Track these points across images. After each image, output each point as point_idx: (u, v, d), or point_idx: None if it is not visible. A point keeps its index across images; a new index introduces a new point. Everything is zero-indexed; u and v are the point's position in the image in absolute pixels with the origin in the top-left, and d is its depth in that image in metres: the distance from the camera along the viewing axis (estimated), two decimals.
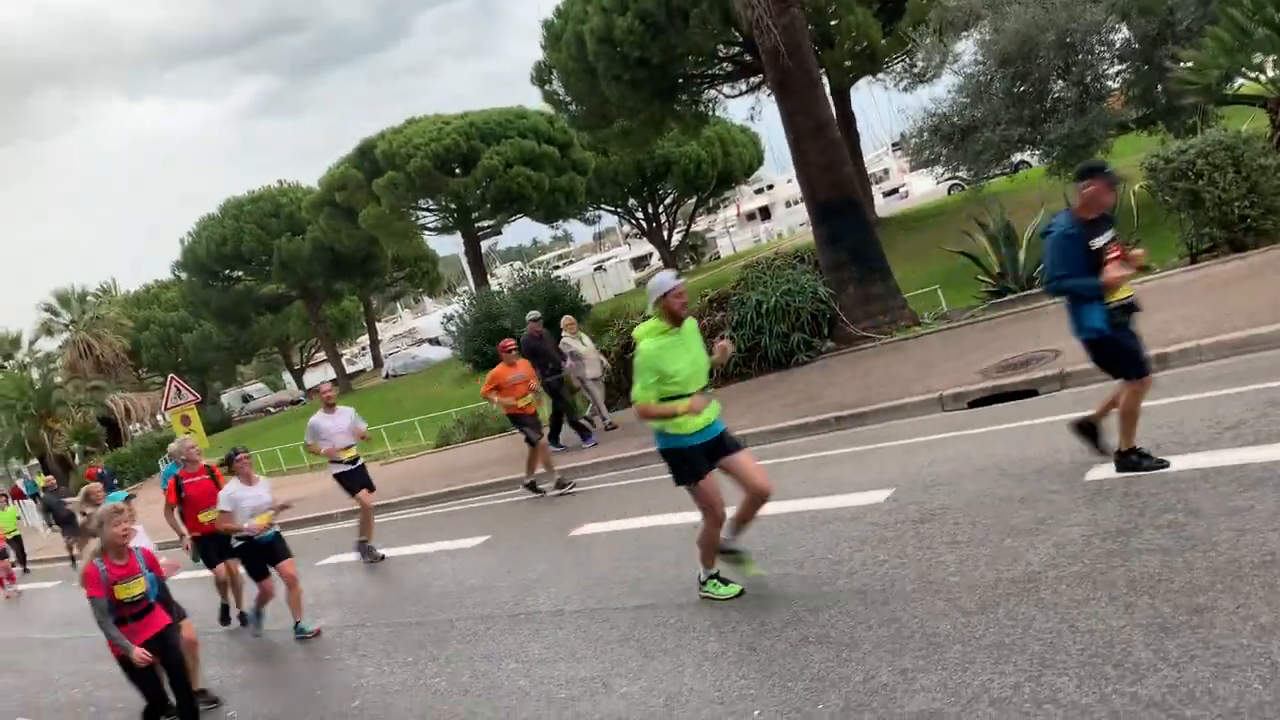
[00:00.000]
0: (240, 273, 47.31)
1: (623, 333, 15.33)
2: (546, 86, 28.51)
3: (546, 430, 11.48)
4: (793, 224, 48.18)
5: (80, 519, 18.36)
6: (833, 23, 25.16)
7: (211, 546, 8.67)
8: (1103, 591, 4.29)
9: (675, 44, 23.72)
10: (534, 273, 30.68)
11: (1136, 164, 14.13)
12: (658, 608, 5.88)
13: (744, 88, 28.49)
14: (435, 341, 45.29)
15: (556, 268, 47.66)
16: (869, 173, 34.90)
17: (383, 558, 10.01)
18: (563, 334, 13.31)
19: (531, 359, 11.58)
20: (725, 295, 14.33)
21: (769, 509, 5.76)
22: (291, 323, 52.46)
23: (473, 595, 7.56)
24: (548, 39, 27.18)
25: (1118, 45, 16.18)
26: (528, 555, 8.33)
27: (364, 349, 62.14)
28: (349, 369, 54.24)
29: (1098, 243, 5.36)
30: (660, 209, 48.79)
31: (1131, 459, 5.57)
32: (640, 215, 48.99)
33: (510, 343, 11.04)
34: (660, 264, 51.22)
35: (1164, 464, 5.48)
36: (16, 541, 18.86)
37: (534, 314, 13.35)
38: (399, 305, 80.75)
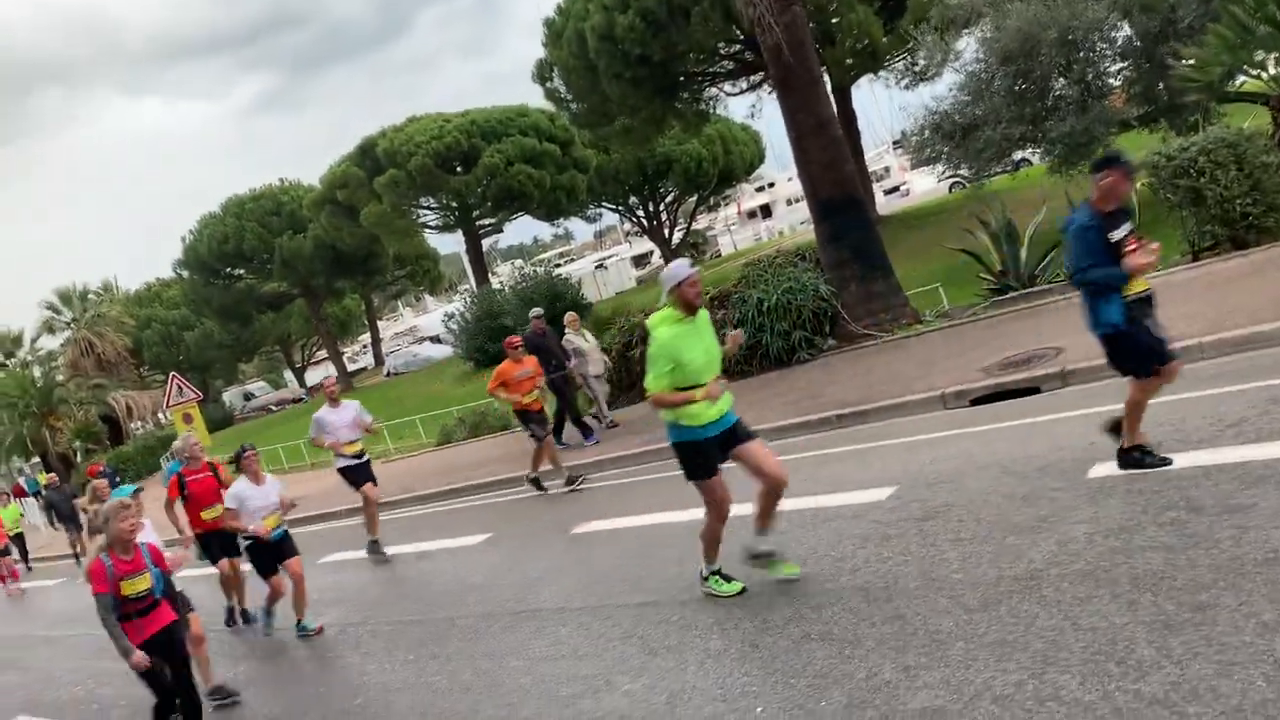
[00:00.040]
0: (242, 271, 47.32)
1: (624, 330, 15.34)
2: (548, 84, 28.49)
3: (551, 426, 11.46)
4: (794, 222, 48.14)
5: (85, 515, 18.41)
6: (834, 20, 25.12)
7: (215, 543, 8.67)
8: (1105, 589, 4.29)
9: (676, 42, 23.70)
10: (535, 271, 30.70)
11: (1138, 162, 14.12)
12: (660, 605, 5.88)
13: (745, 86, 28.47)
14: (436, 339, 45.30)
15: (558, 266, 47.68)
16: (870, 171, 34.87)
17: (388, 559, 10.01)
18: (566, 330, 13.31)
19: (535, 356, 11.57)
20: (727, 293, 14.33)
21: None
22: (293, 321, 52.48)
23: (474, 593, 7.57)
24: (549, 36, 27.17)
25: (1119, 43, 16.14)
26: (530, 553, 8.33)
27: (365, 347, 62.14)
28: (350, 367, 54.27)
29: (1116, 235, 5.33)
30: (661, 207, 48.77)
31: (1134, 455, 5.57)
32: (641, 213, 48.97)
33: (517, 339, 11.02)
34: (661, 262, 51.23)
35: (1166, 462, 5.48)
36: (19, 539, 18.88)
37: (537, 311, 13.34)
38: (400, 303, 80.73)
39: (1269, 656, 3.43)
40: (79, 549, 18.14)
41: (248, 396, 56.63)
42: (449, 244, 66.06)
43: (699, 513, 5.69)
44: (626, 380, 14.83)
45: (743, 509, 5.65)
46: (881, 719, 3.85)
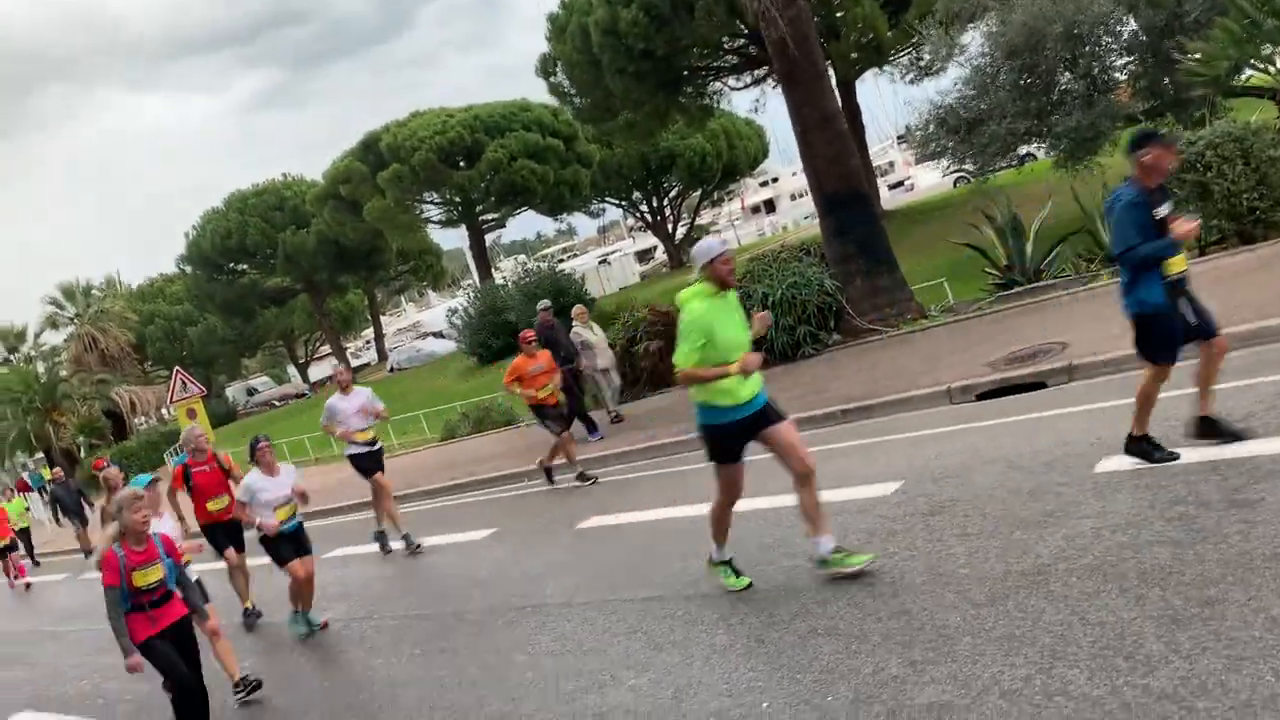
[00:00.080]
0: (245, 266, 47.41)
1: (629, 325, 15.33)
2: (551, 79, 28.47)
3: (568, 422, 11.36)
4: (797, 217, 48.08)
5: (88, 509, 18.40)
6: (839, 14, 25.09)
7: (220, 534, 8.67)
8: (1113, 584, 4.28)
9: (680, 36, 23.66)
10: (538, 266, 30.71)
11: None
12: (665, 600, 5.88)
13: (749, 80, 28.42)
14: (439, 335, 45.29)
15: (561, 261, 47.73)
16: (874, 165, 34.83)
17: (390, 551, 10.01)
18: (574, 323, 13.28)
19: (546, 349, 11.50)
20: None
21: (774, 502, 5.76)
22: (296, 316, 52.57)
23: (480, 588, 7.57)
24: (552, 31, 27.14)
25: (1125, 37, 16.07)
26: (534, 548, 8.33)
27: (368, 342, 62.18)
28: (354, 362, 54.31)
29: (1161, 211, 5.27)
30: (665, 202, 48.76)
31: (1143, 446, 5.53)
32: (645, 208, 48.97)
33: (530, 333, 10.91)
34: (665, 257, 51.21)
35: (1174, 456, 5.46)
36: (24, 534, 18.91)
37: (544, 303, 13.30)
38: (403, 298, 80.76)
39: (1278, 651, 3.42)
40: (84, 543, 18.19)
41: (251, 392, 56.69)
42: (452, 239, 66.08)
43: (703, 508, 5.69)
44: (631, 375, 14.82)
45: (754, 503, 5.63)
46: (889, 714, 3.84)
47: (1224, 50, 12.64)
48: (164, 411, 43.32)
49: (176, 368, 20.95)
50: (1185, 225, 5.25)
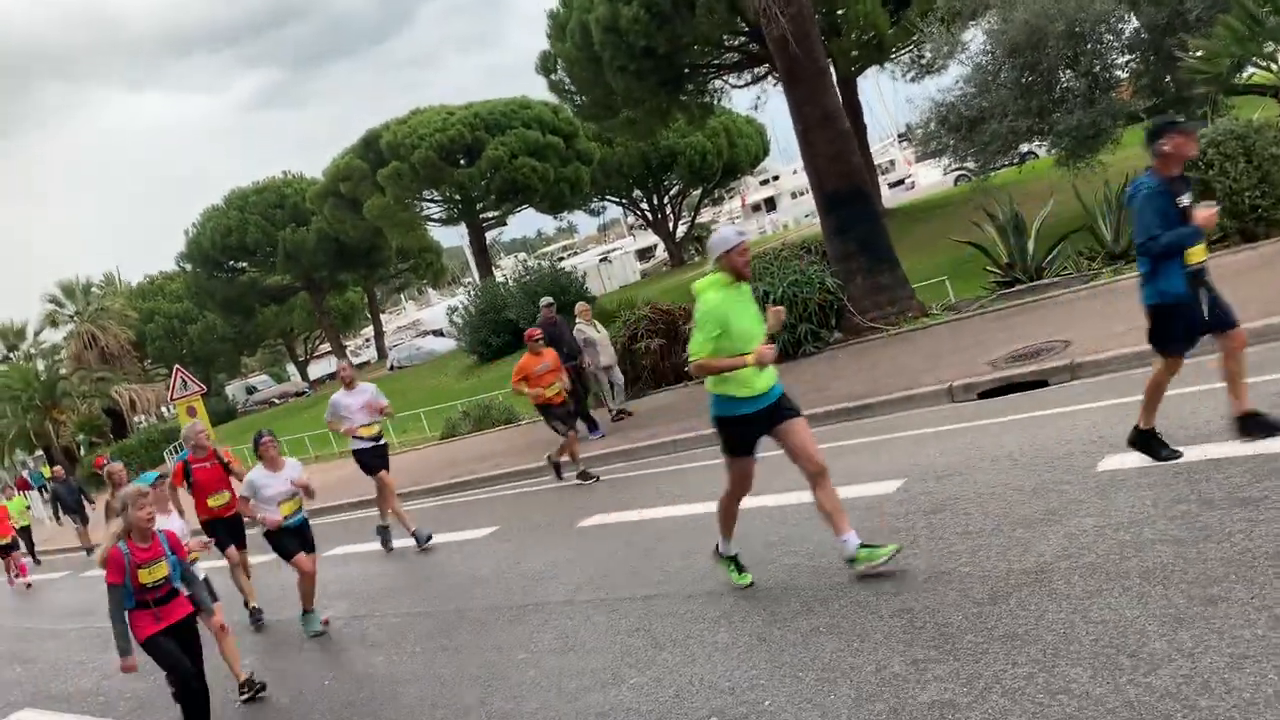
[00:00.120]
0: (245, 264, 47.42)
1: (629, 324, 15.32)
2: (552, 76, 28.47)
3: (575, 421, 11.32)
4: (798, 215, 48.08)
5: (89, 507, 18.37)
6: (840, 12, 25.07)
7: (221, 530, 8.65)
8: (1115, 582, 4.27)
9: (681, 34, 23.64)
10: (539, 264, 30.73)
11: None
12: (667, 598, 5.87)
13: (749, 78, 28.43)
14: (440, 333, 45.31)
15: (561, 259, 47.72)
16: (875, 164, 34.81)
17: (392, 549, 9.99)
18: (577, 320, 13.26)
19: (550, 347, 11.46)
20: None
21: (778, 500, 5.75)
22: (296, 314, 52.58)
23: (481, 586, 7.56)
24: (553, 29, 27.12)
25: (1127, 35, 16.06)
26: (536, 546, 8.32)
27: (368, 340, 62.23)
28: (354, 360, 54.27)
29: (1183, 201, 5.22)
30: (665, 200, 48.77)
31: (1148, 441, 5.49)
32: (645, 206, 48.97)
33: (537, 331, 10.81)
34: (665, 255, 51.21)
35: (1177, 454, 5.45)
36: (25, 532, 18.89)
37: (547, 300, 13.28)
38: (403, 297, 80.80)
39: None
40: (85, 541, 18.19)
41: (250, 390, 56.75)
42: (452, 237, 65.83)
43: (705, 506, 5.68)
44: (631, 373, 14.81)
45: (758, 500, 5.62)
46: (891, 712, 3.83)
47: (1226, 48, 12.62)
48: (164, 409, 43.35)
49: (176, 365, 20.95)
50: (1205, 212, 5.20)
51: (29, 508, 20.85)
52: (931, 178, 41.02)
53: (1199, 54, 13.49)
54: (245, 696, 6.49)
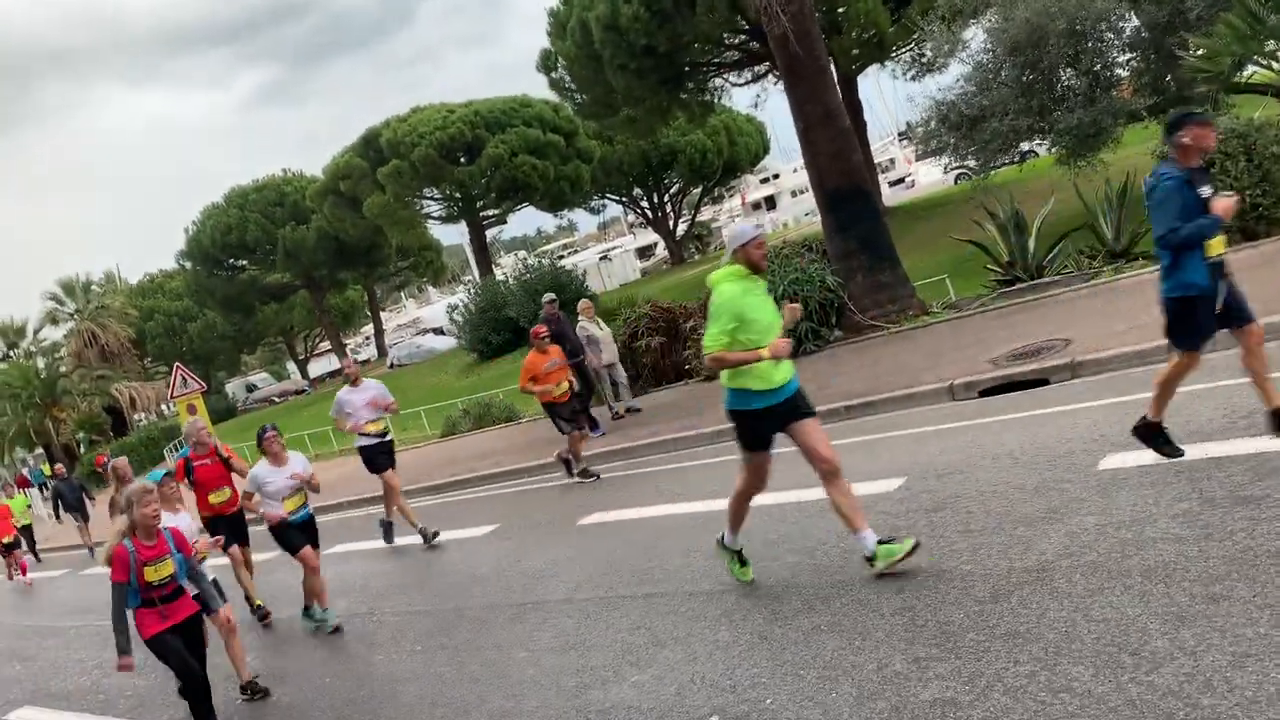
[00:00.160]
0: (245, 262, 47.39)
1: (630, 321, 15.31)
2: (552, 75, 28.45)
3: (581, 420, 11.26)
4: (798, 214, 48.08)
5: (89, 505, 18.33)
6: (840, 10, 25.05)
7: (223, 527, 8.62)
8: (1117, 581, 4.26)
9: (682, 32, 23.62)
10: (539, 262, 30.70)
11: (1147, 153, 14.04)
12: (668, 596, 5.87)
13: (750, 76, 28.41)
14: (440, 331, 45.31)
15: (561, 257, 47.73)
16: (875, 162, 34.79)
17: (393, 542, 9.98)
18: (580, 318, 13.23)
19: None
20: None
21: (779, 498, 5.74)
22: (296, 312, 52.55)
23: (481, 584, 7.55)
24: (553, 27, 27.10)
25: (1127, 33, 16.03)
26: (536, 544, 8.32)
27: (368, 338, 62.21)
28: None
29: (1204, 192, 5.16)
30: (665, 198, 48.75)
31: (1155, 435, 5.43)
32: (645, 204, 48.96)
33: (543, 329, 10.65)
34: (666, 253, 51.21)
35: (1179, 452, 5.43)
36: (27, 530, 18.89)
37: (549, 296, 13.23)
38: (403, 295, 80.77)
39: None
40: (86, 539, 18.17)
41: (250, 388, 56.76)
42: (452, 235, 65.94)
43: (705, 505, 5.68)
44: (632, 371, 14.80)
45: (760, 498, 5.60)
46: (893, 710, 3.83)
47: (1227, 46, 12.60)
48: (164, 407, 43.37)
49: (176, 363, 20.93)
50: (1224, 203, 5.13)
51: (30, 506, 20.83)
52: (932, 176, 40.99)
53: (1200, 52, 13.46)
54: (246, 697, 6.49)
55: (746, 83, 28.81)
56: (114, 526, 5.86)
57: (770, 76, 27.17)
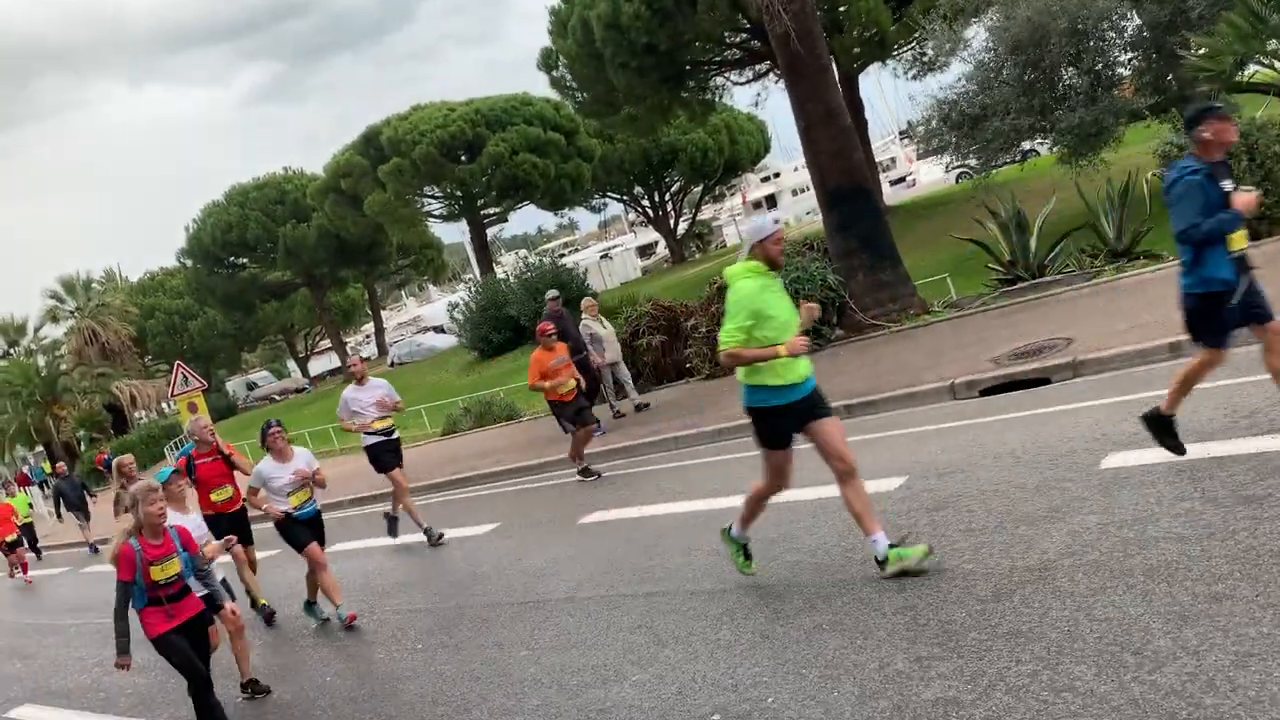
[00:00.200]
0: (245, 260, 47.36)
1: (631, 320, 15.30)
2: (553, 73, 28.44)
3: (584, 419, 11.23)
4: (799, 212, 48.07)
5: (91, 503, 18.31)
6: (842, 9, 25.05)
7: (224, 525, 8.60)
8: (1119, 580, 4.26)
9: (683, 30, 23.62)
10: (540, 260, 30.68)
11: (1149, 152, 14.04)
12: (669, 595, 5.86)
13: (751, 75, 28.39)
14: (440, 329, 45.31)
15: (562, 255, 47.72)
16: (876, 161, 34.77)
17: (397, 536, 9.96)
18: (583, 316, 13.21)
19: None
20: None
21: (779, 497, 5.70)
22: (296, 310, 52.53)
23: (482, 582, 7.55)
24: (554, 25, 27.09)
25: (1129, 33, 16.03)
26: (537, 543, 8.31)
27: (369, 337, 62.23)
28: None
29: (1226, 186, 5.10)
30: (666, 197, 48.74)
31: (1163, 426, 5.37)
32: (646, 203, 48.95)
33: (549, 326, 10.58)
34: (666, 252, 51.21)
35: (1181, 450, 5.41)
36: (28, 528, 18.89)
37: (553, 292, 13.21)
38: (404, 293, 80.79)
39: None
40: (87, 538, 18.18)
41: (251, 386, 56.74)
42: (453, 233, 65.88)
43: (706, 503, 5.67)
44: (633, 370, 14.79)
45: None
46: (895, 709, 3.82)
47: (1229, 46, 12.59)
48: (164, 405, 43.38)
49: (177, 361, 20.94)
50: (1246, 197, 5.08)
51: (31, 505, 20.84)
52: (933, 175, 40.98)
53: (1202, 52, 13.46)
54: (247, 695, 6.49)
55: (747, 81, 28.81)
56: (119, 525, 5.84)
57: (771, 75, 27.15)
